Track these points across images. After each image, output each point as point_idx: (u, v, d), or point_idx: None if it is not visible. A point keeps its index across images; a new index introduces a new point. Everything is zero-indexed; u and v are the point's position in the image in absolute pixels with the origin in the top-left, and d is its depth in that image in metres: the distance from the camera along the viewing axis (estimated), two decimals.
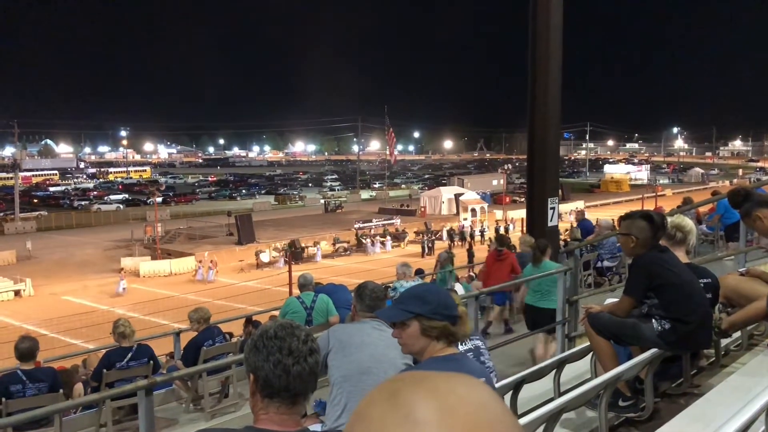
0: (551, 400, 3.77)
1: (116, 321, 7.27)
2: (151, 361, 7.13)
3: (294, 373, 1.81)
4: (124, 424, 6.94)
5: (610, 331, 3.91)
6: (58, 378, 6.60)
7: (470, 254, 33.61)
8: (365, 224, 47.09)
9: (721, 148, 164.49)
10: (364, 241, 43.07)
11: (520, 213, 41.59)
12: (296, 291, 8.65)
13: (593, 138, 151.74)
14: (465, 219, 48.69)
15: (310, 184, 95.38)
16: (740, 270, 4.88)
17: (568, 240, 14.80)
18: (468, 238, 41.96)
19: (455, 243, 41.10)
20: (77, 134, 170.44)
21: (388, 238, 43.79)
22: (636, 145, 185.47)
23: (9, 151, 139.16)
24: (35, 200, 73.06)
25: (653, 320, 3.74)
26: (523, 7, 11.24)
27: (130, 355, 6.93)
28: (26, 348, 6.28)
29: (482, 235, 42.96)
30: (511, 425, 0.65)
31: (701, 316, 3.74)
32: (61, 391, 6.38)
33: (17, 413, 5.49)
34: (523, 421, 2.84)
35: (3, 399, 5.96)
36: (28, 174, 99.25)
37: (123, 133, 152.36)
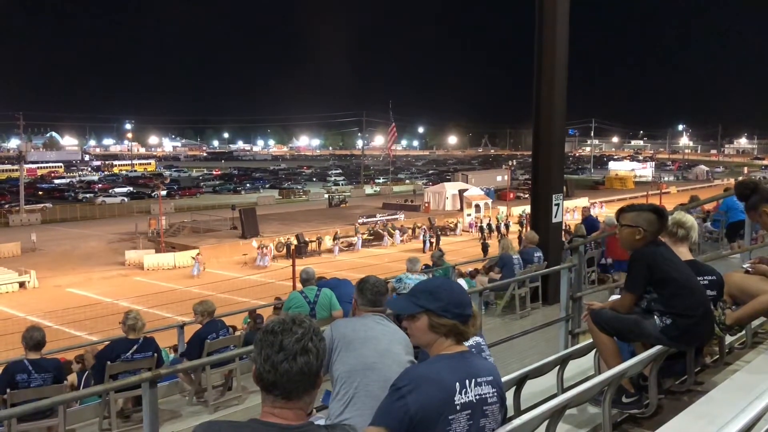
0: (554, 396, 3.76)
1: (127, 312, 7.27)
2: (155, 354, 7.14)
3: (281, 371, 1.80)
4: (128, 415, 6.97)
5: (613, 327, 3.90)
6: (63, 369, 6.63)
7: None
8: (369, 219, 47.13)
9: (727, 145, 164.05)
10: (382, 232, 43.93)
11: (524, 209, 41.76)
12: (300, 286, 8.67)
13: (598, 135, 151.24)
14: (469, 215, 48.72)
15: (314, 179, 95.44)
16: (745, 266, 4.87)
17: (572, 236, 14.77)
18: (495, 231, 43.49)
19: (484, 235, 42.22)
20: (82, 127, 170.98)
21: (425, 227, 44.67)
22: (641, 142, 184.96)
23: (14, 143, 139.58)
24: (40, 192, 73.26)
25: (654, 316, 3.74)
26: (529, 4, 11.21)
27: (135, 347, 6.93)
28: (38, 338, 6.30)
29: (507, 228, 44.45)
30: None
31: (701, 310, 3.73)
32: (65, 382, 6.40)
33: (22, 404, 5.51)
34: (526, 417, 2.83)
35: (8, 389, 5.98)
36: (33, 166, 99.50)
37: (128, 126, 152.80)
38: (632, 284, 3.81)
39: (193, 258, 35.66)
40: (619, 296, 4.11)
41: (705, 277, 4.06)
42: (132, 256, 37.76)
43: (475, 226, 47.07)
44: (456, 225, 47.97)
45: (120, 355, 6.84)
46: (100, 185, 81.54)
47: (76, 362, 10.47)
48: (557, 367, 4.26)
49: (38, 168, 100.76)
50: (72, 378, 7.55)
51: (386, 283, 3.86)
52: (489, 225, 45.14)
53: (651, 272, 3.69)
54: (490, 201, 52.38)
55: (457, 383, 2.30)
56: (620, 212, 3.98)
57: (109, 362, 6.74)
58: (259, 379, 1.85)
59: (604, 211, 39.60)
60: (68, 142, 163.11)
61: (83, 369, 9.50)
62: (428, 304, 2.44)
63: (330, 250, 40.71)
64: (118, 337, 7.47)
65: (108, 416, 6.58)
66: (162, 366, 7.25)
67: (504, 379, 3.53)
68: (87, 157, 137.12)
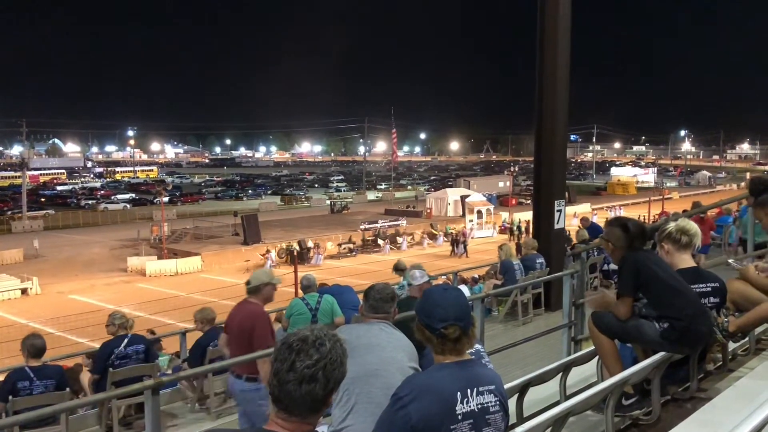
0: (557, 403, 3.76)
1: (112, 314, 7.28)
2: (148, 349, 7.18)
3: (285, 390, 1.80)
4: (130, 422, 6.96)
5: (614, 332, 3.95)
6: (65, 376, 6.62)
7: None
8: (371, 225, 47.12)
9: (729, 151, 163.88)
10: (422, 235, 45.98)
11: (526, 215, 41.79)
12: (301, 292, 8.67)
13: (600, 140, 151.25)
14: (470, 221, 48.68)
15: (316, 185, 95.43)
16: (731, 261, 4.94)
17: (575, 243, 14.76)
18: (516, 232, 44.40)
19: (515, 237, 42.80)
20: (85, 133, 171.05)
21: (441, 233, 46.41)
22: (643, 148, 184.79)
23: (17, 149, 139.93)
24: (43, 199, 73.30)
25: (653, 321, 3.78)
26: (532, 9, 11.23)
27: (126, 340, 6.97)
28: (38, 345, 6.30)
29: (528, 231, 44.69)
30: None
31: (694, 310, 3.75)
32: (67, 389, 6.40)
33: (24, 411, 5.51)
34: (528, 424, 2.83)
35: (10, 397, 5.97)
36: (36, 173, 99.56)
37: (130, 133, 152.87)
38: (624, 287, 3.89)
39: (263, 255, 37.39)
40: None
41: (708, 284, 4.06)
42: (134, 263, 37.77)
43: (468, 234, 47.17)
44: (437, 234, 47.30)
45: (114, 350, 6.87)
46: (102, 192, 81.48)
47: (87, 357, 10.42)
48: (560, 374, 4.26)
49: (41, 175, 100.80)
50: (86, 377, 7.55)
51: (392, 290, 3.86)
52: (518, 227, 45.64)
53: (638, 274, 3.79)
54: (492, 207, 52.32)
55: (459, 393, 2.30)
56: (606, 225, 4.28)
57: (111, 368, 6.75)
58: (269, 386, 1.86)
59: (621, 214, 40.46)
60: (71, 148, 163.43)
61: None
62: (416, 306, 2.53)
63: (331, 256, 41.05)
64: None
65: (110, 422, 6.57)
66: (155, 363, 7.29)
67: (506, 386, 3.53)
68: (89, 164, 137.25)
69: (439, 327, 2.38)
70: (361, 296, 4.06)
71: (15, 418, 5.21)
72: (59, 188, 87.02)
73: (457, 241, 42.05)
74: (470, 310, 2.55)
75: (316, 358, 1.81)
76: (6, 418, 5.67)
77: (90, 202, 71.13)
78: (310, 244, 40.58)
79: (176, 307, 24.63)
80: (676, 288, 3.77)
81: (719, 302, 4.09)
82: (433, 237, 46.31)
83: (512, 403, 3.57)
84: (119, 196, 75.75)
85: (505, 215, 52.24)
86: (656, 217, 35.91)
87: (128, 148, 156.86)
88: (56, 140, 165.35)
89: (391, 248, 43.17)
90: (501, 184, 73.36)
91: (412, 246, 44.62)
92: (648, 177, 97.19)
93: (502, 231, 48.56)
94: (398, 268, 9.90)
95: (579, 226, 14.97)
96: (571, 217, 29.92)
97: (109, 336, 7.10)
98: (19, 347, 6.41)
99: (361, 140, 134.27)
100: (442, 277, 16.30)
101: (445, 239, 45.06)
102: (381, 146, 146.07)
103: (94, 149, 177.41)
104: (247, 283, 5.81)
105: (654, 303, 3.78)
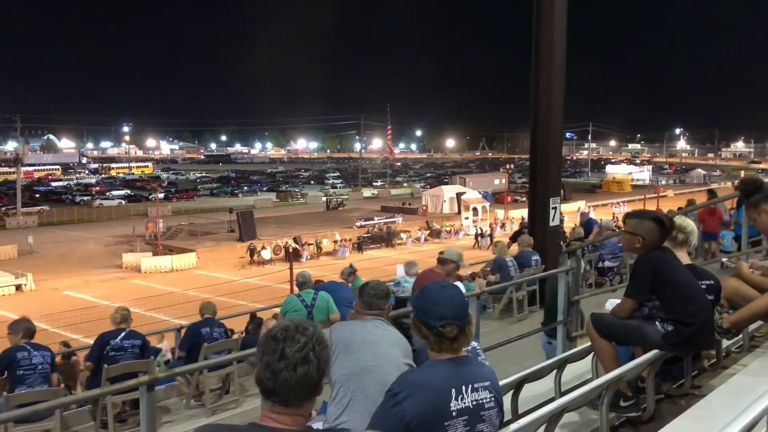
0: (552, 400, 3.77)
1: (118, 307, 7.52)
2: (144, 345, 7.29)
3: (281, 379, 1.80)
4: (125, 419, 6.96)
5: (615, 333, 3.89)
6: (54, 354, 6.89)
7: None
8: (367, 222, 47.12)
9: (723, 149, 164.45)
10: (439, 228, 47.38)
11: (521, 212, 41.82)
12: (297, 289, 8.68)
13: (595, 138, 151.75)
14: (466, 218, 48.72)
15: (311, 182, 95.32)
16: (727, 262, 4.94)
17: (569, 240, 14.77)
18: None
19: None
20: (80, 129, 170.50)
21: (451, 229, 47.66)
22: (638, 146, 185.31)
23: (11, 145, 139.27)
24: (37, 195, 73.14)
25: (656, 322, 3.73)
26: (527, 7, 11.24)
27: (123, 334, 7.08)
28: (29, 326, 6.62)
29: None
30: None
31: (703, 318, 3.72)
32: (62, 385, 6.45)
33: (20, 408, 5.51)
34: (523, 421, 2.84)
35: (7, 393, 6.01)
36: (31, 169, 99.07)
37: (125, 129, 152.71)
38: (635, 289, 3.81)
39: (341, 242, 40.13)
40: (617, 300, 4.11)
41: (703, 282, 4.06)
42: (129, 259, 37.68)
43: (495, 228, 47.30)
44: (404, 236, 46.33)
45: (110, 341, 7.00)
46: (97, 188, 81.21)
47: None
48: (555, 371, 4.27)
49: (35, 171, 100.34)
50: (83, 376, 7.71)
51: (387, 287, 3.86)
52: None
53: (654, 277, 3.68)
54: (487, 204, 52.37)
55: (453, 389, 2.30)
56: (626, 217, 4.02)
57: (106, 360, 6.82)
58: (259, 383, 1.86)
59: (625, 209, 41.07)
60: (66, 144, 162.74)
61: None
62: (413, 302, 2.55)
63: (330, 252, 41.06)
64: None
65: (105, 417, 6.57)
66: (151, 359, 7.34)
67: (502, 382, 3.54)
68: (84, 160, 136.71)
69: (437, 325, 2.38)
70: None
71: (10, 413, 5.21)
72: (54, 184, 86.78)
73: (482, 234, 42.60)
74: (467, 308, 2.53)
75: (303, 341, 1.84)
76: (2, 413, 5.67)
77: (85, 198, 70.89)
78: (337, 237, 42.23)
79: (171, 304, 24.60)
80: (691, 294, 3.72)
81: (714, 299, 4.09)
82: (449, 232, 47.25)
83: (507, 399, 3.58)
84: (114, 193, 75.52)
85: (500, 213, 52.34)
86: None
87: (123, 144, 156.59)
88: (51, 136, 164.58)
89: (413, 242, 44.34)
90: (497, 182, 73.43)
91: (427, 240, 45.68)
92: (643, 175, 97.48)
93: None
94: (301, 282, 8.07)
95: (575, 224, 15.03)
96: (574, 214, 29.95)
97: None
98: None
99: (357, 137, 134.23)
100: None
101: (468, 233, 45.92)
102: (377, 143, 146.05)
103: (89, 145, 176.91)
104: (441, 253, 6.66)
105: (666, 307, 3.70)
